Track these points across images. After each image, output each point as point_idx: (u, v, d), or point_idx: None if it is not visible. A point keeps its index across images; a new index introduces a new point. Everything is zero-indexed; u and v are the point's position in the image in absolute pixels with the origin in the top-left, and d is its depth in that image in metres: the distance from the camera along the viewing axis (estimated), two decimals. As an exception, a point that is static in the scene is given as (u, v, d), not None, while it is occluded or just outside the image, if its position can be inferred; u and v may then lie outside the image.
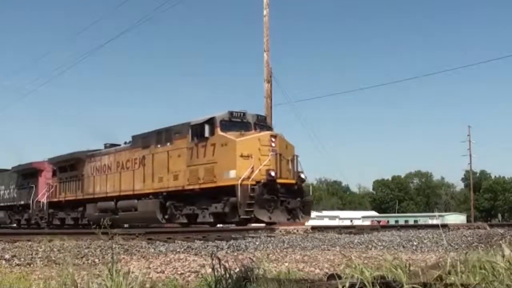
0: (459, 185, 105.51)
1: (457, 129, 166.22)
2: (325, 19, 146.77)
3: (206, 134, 17.02)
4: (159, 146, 19.32)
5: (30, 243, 8.48)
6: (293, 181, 17.01)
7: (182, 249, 7.41)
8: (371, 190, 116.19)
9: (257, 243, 8.38)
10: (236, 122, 17.30)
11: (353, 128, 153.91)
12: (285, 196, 16.48)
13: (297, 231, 14.07)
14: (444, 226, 13.13)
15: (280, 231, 13.76)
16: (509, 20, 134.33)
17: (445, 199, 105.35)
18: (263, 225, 18.94)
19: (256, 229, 14.88)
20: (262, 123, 18.02)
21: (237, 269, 3.90)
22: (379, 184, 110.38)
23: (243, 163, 16.14)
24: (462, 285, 3.01)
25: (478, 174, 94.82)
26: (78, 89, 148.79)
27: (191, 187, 17.65)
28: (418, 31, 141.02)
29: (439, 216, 65.88)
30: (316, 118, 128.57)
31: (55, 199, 25.96)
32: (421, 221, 55.89)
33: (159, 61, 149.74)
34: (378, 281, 3.10)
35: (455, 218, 64.32)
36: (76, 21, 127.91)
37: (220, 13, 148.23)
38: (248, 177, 15.91)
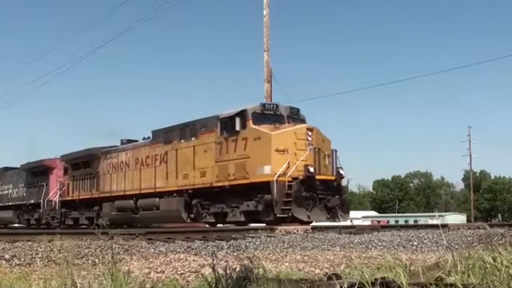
0: (459, 185, 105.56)
1: (457, 129, 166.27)
2: (325, 19, 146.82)
3: (237, 127, 16.04)
4: (182, 141, 18.33)
5: (30, 243, 8.48)
6: (333, 178, 16.14)
7: (182, 249, 7.41)
8: (371, 190, 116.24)
9: (257, 243, 8.38)
10: (269, 115, 16.39)
11: (353, 128, 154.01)
12: (324, 194, 15.56)
13: (297, 231, 14.08)
14: (444, 226, 13.13)
15: (280, 231, 13.76)
16: (509, 20, 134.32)
17: (445, 199, 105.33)
18: (263, 225, 18.93)
19: (256, 229, 14.90)
20: (295, 116, 16.98)
21: (237, 269, 3.90)
22: (379, 184, 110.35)
23: (279, 158, 15.22)
24: (462, 285, 3.01)
25: (478, 174, 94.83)
26: (78, 88, 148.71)
27: (220, 184, 16.66)
28: (418, 31, 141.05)
29: (439, 216, 65.86)
30: (316, 118, 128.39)
31: (68, 198, 24.89)
32: (421, 221, 55.84)
33: (159, 61, 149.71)
34: (378, 281, 3.10)
35: (455, 218, 64.29)
36: (77, 19, 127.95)
37: (220, 13, 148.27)
38: (284, 173, 14.99)
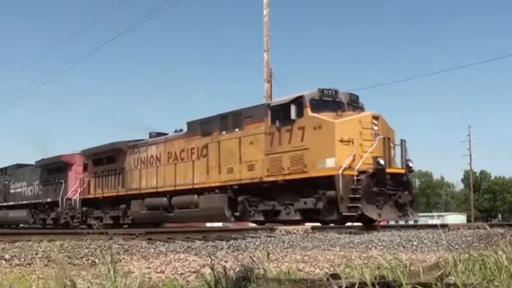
0: (459, 185, 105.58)
1: (457, 129, 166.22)
2: (325, 19, 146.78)
3: (292, 116, 14.47)
4: (224, 132, 16.83)
5: (30, 243, 8.49)
6: (403, 171, 14.54)
7: (182, 249, 7.42)
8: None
9: (257, 243, 8.39)
10: (328, 102, 14.85)
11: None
12: (394, 189, 14.00)
13: (297, 231, 14.08)
14: (444, 226, 13.14)
15: (280, 231, 13.77)
16: (509, 19, 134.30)
17: (445, 199, 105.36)
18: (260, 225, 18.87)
19: (256, 229, 14.90)
20: (355, 103, 15.51)
21: (237, 269, 3.90)
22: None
23: (344, 149, 13.67)
24: (462, 285, 3.01)
25: (478, 174, 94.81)
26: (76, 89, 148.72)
27: (271, 178, 15.14)
28: (418, 30, 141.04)
29: (439, 216, 65.90)
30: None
31: (90, 196, 23.22)
32: (421, 221, 55.86)
33: (158, 61, 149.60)
34: (378, 281, 3.10)
35: (455, 218, 64.33)
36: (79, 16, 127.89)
37: (220, 13, 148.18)
38: (350, 166, 13.49)
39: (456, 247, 7.29)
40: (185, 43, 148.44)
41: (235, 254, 6.62)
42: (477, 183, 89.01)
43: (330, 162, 13.75)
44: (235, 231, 13.54)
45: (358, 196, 13.18)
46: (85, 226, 22.35)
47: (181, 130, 19.41)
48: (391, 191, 13.92)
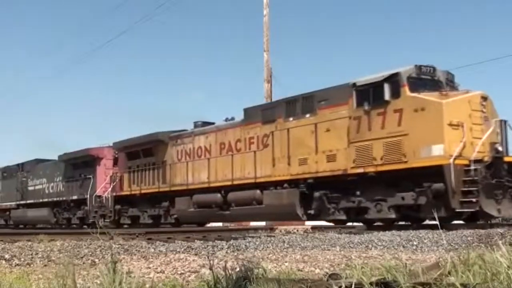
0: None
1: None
2: (325, 18, 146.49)
3: (386, 96, 12.67)
4: (291, 119, 14.90)
5: (30, 243, 8.51)
6: None
7: (182, 249, 7.43)
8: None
9: (257, 243, 8.39)
10: (426, 80, 13.07)
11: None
12: (510, 180, 12.03)
13: (297, 231, 14.09)
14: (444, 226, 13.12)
15: (280, 231, 13.79)
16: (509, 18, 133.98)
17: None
18: (263, 224, 18.80)
19: (256, 229, 14.91)
20: (452, 83, 13.65)
21: (237, 269, 3.90)
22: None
23: (453, 134, 11.87)
24: (462, 285, 3.02)
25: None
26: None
27: (359, 170, 13.12)
28: (418, 30, 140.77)
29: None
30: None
31: (125, 193, 21.14)
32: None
33: (158, 61, 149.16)
34: (378, 281, 3.11)
35: (455, 218, 64.08)
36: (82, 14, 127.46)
37: (219, 12, 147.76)
38: (460, 154, 11.71)
39: (456, 247, 7.29)
40: (185, 42, 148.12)
41: (235, 254, 6.63)
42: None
43: (437, 150, 11.90)
44: (235, 231, 13.56)
45: (475, 189, 11.42)
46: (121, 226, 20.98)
47: (232, 118, 17.70)
48: (508, 182, 12.00)
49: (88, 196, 22.92)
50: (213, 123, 18.67)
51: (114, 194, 21.68)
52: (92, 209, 22.60)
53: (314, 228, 15.07)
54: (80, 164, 24.51)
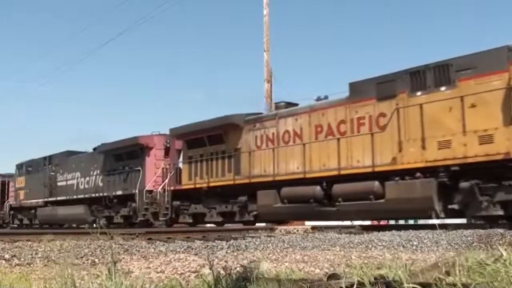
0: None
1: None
2: (325, 18, 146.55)
3: None
4: (419, 93, 12.29)
5: (30, 243, 8.52)
6: None
7: (182, 249, 7.43)
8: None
9: (257, 243, 8.40)
10: None
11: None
12: None
13: (297, 231, 14.10)
14: (444, 226, 13.13)
15: (280, 231, 13.80)
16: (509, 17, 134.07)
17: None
18: (263, 224, 18.76)
19: (256, 229, 14.91)
20: None
21: (237, 269, 3.91)
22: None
23: None
24: (461, 285, 3.02)
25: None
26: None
27: None
28: (418, 30, 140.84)
29: (439, 216, 65.64)
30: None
31: (187, 186, 18.20)
32: (421, 220, 55.82)
33: (157, 61, 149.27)
34: (378, 281, 3.11)
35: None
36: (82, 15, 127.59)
37: (219, 12, 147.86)
38: None
39: (456, 247, 7.30)
40: (184, 43, 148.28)
41: (235, 254, 6.63)
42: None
43: None
44: (235, 231, 13.57)
45: None
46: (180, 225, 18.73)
47: (326, 97, 14.95)
48: None
49: (137, 191, 20.08)
50: (296, 104, 16.00)
51: (171, 188, 18.76)
52: (142, 206, 19.76)
53: (314, 228, 15.09)
54: (125, 155, 21.54)
